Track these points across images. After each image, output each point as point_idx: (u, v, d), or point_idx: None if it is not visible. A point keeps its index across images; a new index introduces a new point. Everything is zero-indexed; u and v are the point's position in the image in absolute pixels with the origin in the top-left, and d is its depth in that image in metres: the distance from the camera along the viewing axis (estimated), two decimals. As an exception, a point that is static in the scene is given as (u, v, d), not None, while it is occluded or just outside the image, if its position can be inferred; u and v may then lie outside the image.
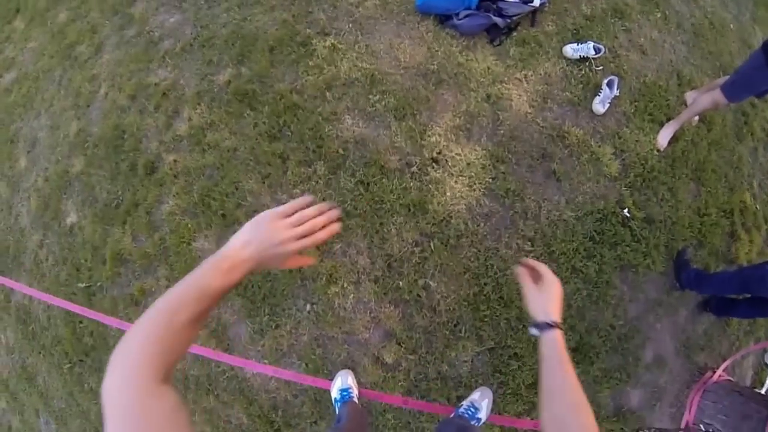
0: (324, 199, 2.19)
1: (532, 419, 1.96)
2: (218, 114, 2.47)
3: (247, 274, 0.60)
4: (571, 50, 2.42)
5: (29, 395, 2.63)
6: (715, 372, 2.17)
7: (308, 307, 2.09)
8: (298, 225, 0.64)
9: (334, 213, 0.68)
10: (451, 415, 1.89)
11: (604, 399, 2.04)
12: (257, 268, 0.61)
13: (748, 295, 2.07)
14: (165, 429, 0.45)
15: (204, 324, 0.55)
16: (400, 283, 2.06)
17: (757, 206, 2.56)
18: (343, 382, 1.94)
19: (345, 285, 2.08)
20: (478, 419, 1.84)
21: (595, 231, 2.17)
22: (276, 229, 0.62)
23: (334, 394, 1.93)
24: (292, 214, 0.65)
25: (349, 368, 2.01)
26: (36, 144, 2.95)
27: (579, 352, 2.04)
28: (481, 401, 1.90)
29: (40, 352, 2.58)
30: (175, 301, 0.54)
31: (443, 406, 1.95)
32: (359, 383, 1.98)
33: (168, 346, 0.51)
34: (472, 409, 1.85)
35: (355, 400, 1.89)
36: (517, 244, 2.12)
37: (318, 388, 2.01)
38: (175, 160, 2.45)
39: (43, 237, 2.66)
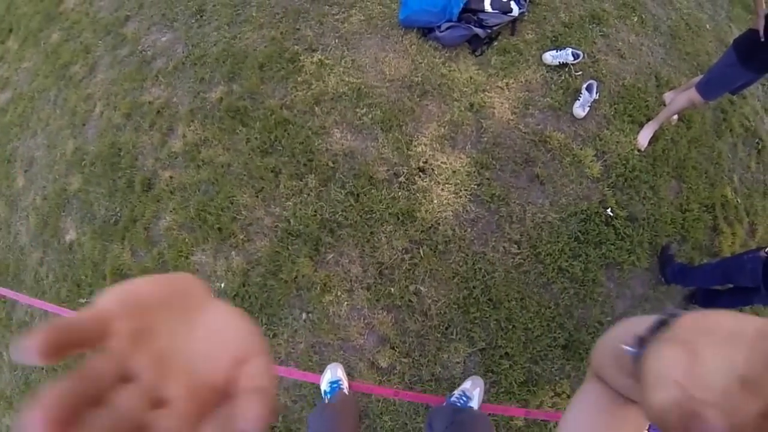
0: (316, 211, 2.27)
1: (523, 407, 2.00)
2: (212, 130, 2.54)
3: None
4: (550, 57, 2.50)
5: (34, 411, 2.67)
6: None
7: (304, 315, 2.15)
8: None
9: None
10: (443, 404, 1.91)
11: (594, 394, 2.10)
12: None
13: (731, 286, 2.13)
14: None
15: None
16: (392, 289, 2.13)
17: (738, 200, 2.61)
18: (332, 374, 1.96)
19: (339, 293, 2.15)
20: (470, 408, 1.85)
21: (580, 231, 2.23)
22: None
23: (324, 386, 1.94)
24: None
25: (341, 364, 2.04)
26: (33, 163, 3.01)
27: (569, 350, 2.10)
28: (473, 390, 1.91)
29: (42, 368, 2.63)
30: None
31: (434, 396, 1.99)
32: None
33: None
34: (464, 398, 1.87)
35: (345, 392, 1.91)
36: (503, 247, 2.19)
37: (317, 392, 2.07)
38: (171, 177, 2.52)
39: (43, 254, 2.72)
